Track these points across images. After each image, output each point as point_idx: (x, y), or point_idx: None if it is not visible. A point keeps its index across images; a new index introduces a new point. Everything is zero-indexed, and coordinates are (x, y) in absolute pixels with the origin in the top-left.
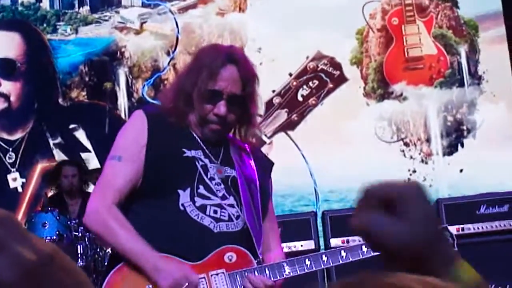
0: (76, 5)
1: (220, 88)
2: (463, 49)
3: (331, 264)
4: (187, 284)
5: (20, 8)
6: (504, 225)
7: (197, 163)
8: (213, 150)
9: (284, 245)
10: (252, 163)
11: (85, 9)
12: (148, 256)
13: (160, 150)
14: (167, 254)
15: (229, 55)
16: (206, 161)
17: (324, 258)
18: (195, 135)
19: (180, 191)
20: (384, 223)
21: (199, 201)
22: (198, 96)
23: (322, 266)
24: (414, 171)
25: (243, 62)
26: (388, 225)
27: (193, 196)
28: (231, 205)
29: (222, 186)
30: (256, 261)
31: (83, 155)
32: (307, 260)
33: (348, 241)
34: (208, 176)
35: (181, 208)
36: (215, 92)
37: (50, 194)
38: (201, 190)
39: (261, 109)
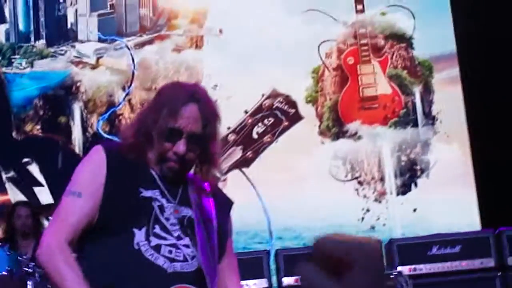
0: (32, 39)
1: (180, 126)
2: (417, 89)
3: None
4: None
5: None
6: (456, 266)
7: (153, 203)
8: (171, 189)
9: None
10: (211, 202)
11: (41, 43)
12: None
13: (117, 188)
14: None
15: (191, 94)
16: (163, 201)
17: None
18: (153, 173)
19: (135, 230)
20: (324, 286)
21: (154, 241)
22: (158, 133)
23: None
24: (368, 210)
25: (205, 101)
26: None
27: (148, 235)
28: (186, 246)
29: (178, 226)
30: None
31: (36, 190)
32: None
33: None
34: (164, 216)
35: (136, 247)
36: (175, 131)
37: (0, 234)
38: (157, 230)
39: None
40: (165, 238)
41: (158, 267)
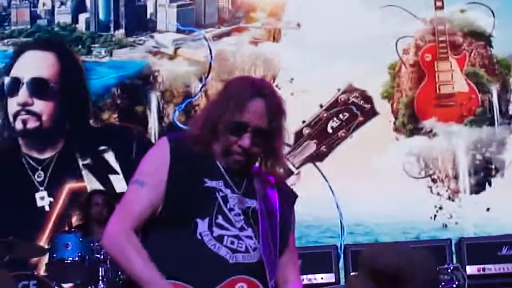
0: (112, 28)
1: (246, 120)
2: (494, 88)
3: None
4: None
5: (56, 29)
6: None
7: (217, 193)
8: (235, 181)
9: (304, 277)
10: (275, 195)
11: (120, 32)
12: (160, 285)
13: (181, 178)
14: (181, 282)
15: (258, 88)
16: (227, 191)
17: None
18: (218, 164)
19: (198, 220)
20: None
21: (216, 231)
22: (224, 126)
23: None
24: (441, 208)
25: (272, 96)
26: None
27: (211, 226)
28: (249, 237)
29: (242, 217)
30: None
31: (111, 177)
32: None
33: None
34: (228, 207)
35: (199, 237)
36: (241, 124)
37: (76, 220)
38: (220, 220)
39: (290, 140)
40: (227, 229)
41: (220, 257)
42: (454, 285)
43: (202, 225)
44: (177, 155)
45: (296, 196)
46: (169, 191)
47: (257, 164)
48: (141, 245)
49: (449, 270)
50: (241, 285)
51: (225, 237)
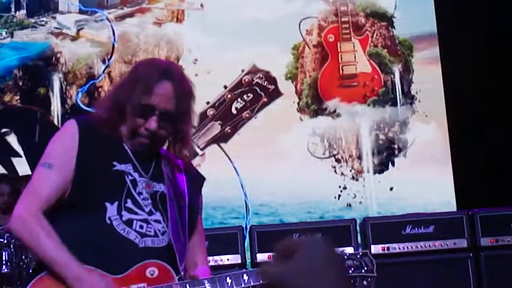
0: (13, 9)
1: (153, 103)
2: (397, 69)
3: (252, 283)
4: None
5: None
6: (429, 246)
7: (126, 177)
8: (143, 164)
9: (210, 258)
10: (184, 178)
11: (21, 13)
12: (72, 267)
13: (90, 161)
14: (91, 266)
15: (166, 71)
16: (136, 175)
17: (245, 277)
18: (126, 147)
19: (107, 204)
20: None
21: (126, 215)
22: (131, 109)
23: (243, 285)
24: (345, 188)
25: (180, 79)
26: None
27: (120, 210)
28: (157, 221)
29: (150, 201)
30: (177, 277)
31: (14, 160)
32: (228, 278)
33: None
34: (137, 191)
35: (108, 221)
36: (148, 107)
37: None
38: (129, 204)
39: (195, 121)
40: (136, 213)
41: (129, 241)
42: (363, 271)
43: (111, 209)
44: (85, 138)
45: (204, 179)
46: (77, 174)
47: (164, 147)
48: (51, 228)
49: (358, 256)
50: (152, 270)
51: (134, 221)
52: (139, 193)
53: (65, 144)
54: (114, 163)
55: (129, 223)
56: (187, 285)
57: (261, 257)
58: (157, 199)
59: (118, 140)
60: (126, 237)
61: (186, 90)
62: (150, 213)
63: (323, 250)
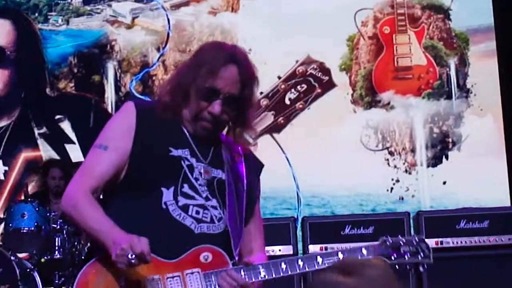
0: None
1: (218, 86)
2: (452, 62)
3: (307, 269)
4: (133, 254)
5: None
6: (484, 241)
7: (183, 162)
8: (202, 149)
9: None
10: (243, 164)
11: (77, 1)
12: (111, 233)
13: (146, 146)
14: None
15: (232, 55)
16: (193, 160)
17: (300, 263)
18: (185, 131)
19: (163, 189)
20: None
21: (182, 201)
22: (195, 92)
23: (298, 271)
24: (398, 181)
25: (245, 63)
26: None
27: (176, 195)
28: (214, 207)
29: (207, 187)
30: (231, 262)
31: (67, 147)
32: (283, 264)
33: (326, 248)
34: (194, 176)
35: (163, 206)
36: (213, 90)
37: (32, 189)
38: (185, 189)
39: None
40: (193, 198)
41: (185, 227)
42: (420, 257)
43: (167, 194)
44: (143, 121)
45: (262, 166)
46: (133, 157)
47: (224, 132)
48: (98, 204)
49: (415, 242)
50: (206, 255)
51: (190, 207)
52: (196, 179)
53: (122, 126)
54: (170, 148)
55: (185, 208)
56: (241, 270)
57: (313, 248)
58: (215, 185)
59: (177, 124)
60: (182, 223)
61: (251, 75)
62: (207, 198)
63: (382, 274)
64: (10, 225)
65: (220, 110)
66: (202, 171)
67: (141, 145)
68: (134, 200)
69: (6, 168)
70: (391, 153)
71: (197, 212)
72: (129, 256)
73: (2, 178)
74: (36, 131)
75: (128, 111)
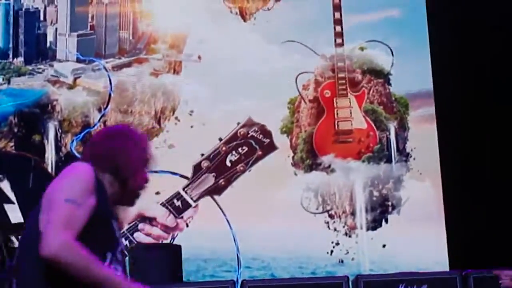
0: (11, 55)
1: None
2: (392, 126)
3: None
4: None
5: None
6: None
7: (115, 234)
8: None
9: None
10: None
11: (19, 60)
12: (128, 285)
13: (100, 212)
14: None
15: None
16: (118, 233)
17: None
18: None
19: (108, 254)
20: None
21: (114, 267)
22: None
23: None
24: (338, 244)
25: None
26: None
27: (111, 261)
28: (125, 278)
29: (121, 256)
30: None
31: (6, 207)
32: None
33: None
34: (118, 249)
35: None
36: None
37: None
38: (114, 260)
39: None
40: (117, 269)
41: None
42: None
43: (108, 259)
44: (98, 189)
45: None
46: (90, 222)
47: None
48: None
49: None
50: None
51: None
52: (119, 252)
53: (88, 187)
54: (112, 220)
55: None
56: None
57: None
58: (123, 254)
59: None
60: None
61: None
62: (122, 272)
63: None
64: None
65: None
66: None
67: (97, 211)
68: None
69: None
70: (331, 216)
71: None
72: None
73: None
74: None
75: (89, 173)
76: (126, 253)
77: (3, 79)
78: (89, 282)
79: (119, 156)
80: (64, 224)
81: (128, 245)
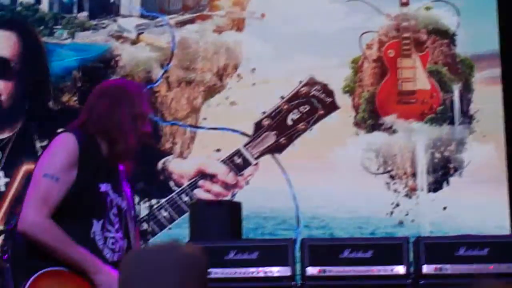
0: (75, 10)
1: None
2: (456, 87)
3: None
4: None
5: (19, 8)
6: (482, 269)
7: (107, 197)
8: (115, 181)
9: (261, 269)
10: (129, 188)
11: (83, 15)
12: (93, 262)
13: (83, 181)
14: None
15: None
16: (113, 195)
17: None
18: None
19: (94, 220)
20: None
21: (105, 233)
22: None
23: None
24: (398, 205)
25: None
26: None
27: (102, 227)
28: (121, 238)
29: (118, 218)
30: None
31: None
32: None
33: (324, 271)
34: (112, 211)
35: (91, 236)
36: None
37: None
38: (106, 222)
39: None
40: (109, 231)
41: (104, 257)
42: None
43: (96, 226)
44: (82, 158)
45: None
46: (73, 190)
47: None
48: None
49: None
50: None
51: (108, 239)
52: (113, 213)
53: (68, 160)
54: (99, 184)
55: (105, 240)
56: None
57: (311, 270)
58: (122, 215)
59: (102, 158)
60: (103, 253)
61: None
62: (117, 230)
63: None
64: None
65: None
66: (114, 203)
67: (80, 180)
68: (68, 228)
69: (8, 179)
70: (392, 177)
71: (113, 243)
72: None
73: (3, 189)
74: (38, 144)
75: (71, 144)
76: (133, 212)
77: (67, 34)
78: (60, 259)
79: (106, 119)
80: (40, 200)
81: (188, 201)
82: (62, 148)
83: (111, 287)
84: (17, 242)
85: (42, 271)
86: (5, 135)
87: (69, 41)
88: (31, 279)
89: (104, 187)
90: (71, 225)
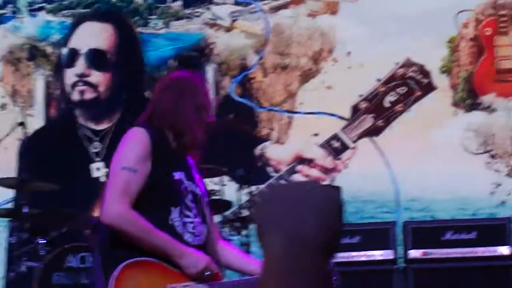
0: (169, 0)
1: None
2: None
3: None
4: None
5: (114, 0)
6: None
7: (181, 185)
8: (189, 169)
9: (363, 253)
10: (199, 175)
11: (177, 4)
12: (178, 246)
13: (158, 173)
14: (158, 261)
15: None
16: (186, 182)
17: None
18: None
19: (171, 208)
20: None
21: (183, 219)
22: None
23: None
24: (499, 185)
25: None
26: None
27: (180, 213)
28: (200, 223)
29: (194, 204)
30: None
31: None
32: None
33: (427, 254)
34: (188, 197)
35: (170, 222)
36: None
37: None
38: (184, 208)
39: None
40: (188, 216)
41: (185, 241)
42: None
43: (174, 213)
44: (155, 151)
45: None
46: (149, 182)
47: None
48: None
49: None
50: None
51: (188, 224)
52: (189, 199)
53: (143, 152)
54: (173, 174)
55: (185, 225)
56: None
57: (414, 253)
58: (198, 201)
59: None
60: (184, 237)
61: None
62: (195, 215)
63: None
64: None
65: None
66: (189, 189)
67: (155, 172)
68: (144, 215)
69: (108, 170)
70: (492, 157)
71: (193, 228)
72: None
73: (103, 180)
74: None
75: (144, 139)
76: (207, 198)
77: (162, 23)
78: (145, 248)
79: (170, 112)
80: (121, 192)
81: None
82: (136, 141)
83: (197, 268)
84: (102, 234)
85: (128, 261)
86: (104, 125)
87: (163, 30)
88: (118, 269)
89: (178, 175)
90: (150, 214)
